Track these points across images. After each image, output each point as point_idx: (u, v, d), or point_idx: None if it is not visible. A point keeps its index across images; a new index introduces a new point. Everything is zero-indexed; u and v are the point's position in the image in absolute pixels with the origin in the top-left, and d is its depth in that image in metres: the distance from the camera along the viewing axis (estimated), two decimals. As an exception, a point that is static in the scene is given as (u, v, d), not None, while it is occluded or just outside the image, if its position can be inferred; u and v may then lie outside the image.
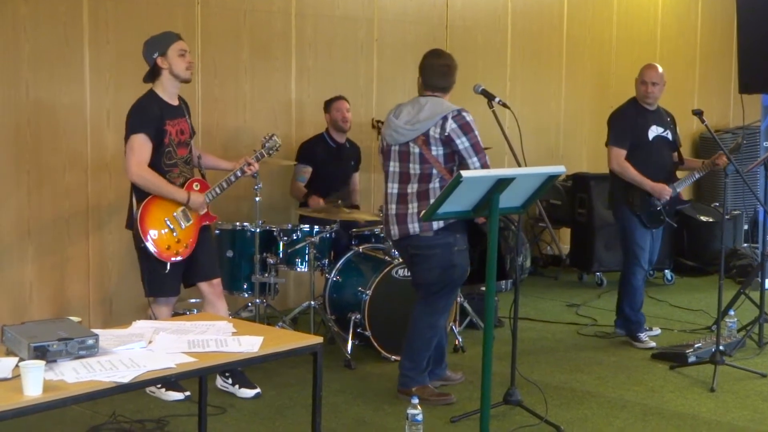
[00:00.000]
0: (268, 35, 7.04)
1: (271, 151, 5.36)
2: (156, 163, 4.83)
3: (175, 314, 5.55)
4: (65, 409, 4.07)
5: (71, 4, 5.91)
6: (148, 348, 3.24)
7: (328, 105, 6.86)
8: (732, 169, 5.82)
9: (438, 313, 5.05)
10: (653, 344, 6.24)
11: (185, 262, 4.98)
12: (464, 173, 3.69)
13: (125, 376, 2.90)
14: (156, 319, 4.80)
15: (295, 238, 6.02)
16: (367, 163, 7.29)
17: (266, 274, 5.98)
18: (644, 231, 6.24)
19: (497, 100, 4.90)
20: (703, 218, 9.03)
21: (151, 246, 4.80)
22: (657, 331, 6.61)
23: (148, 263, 4.89)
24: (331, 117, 6.83)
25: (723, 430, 4.67)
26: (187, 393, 4.94)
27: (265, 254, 5.99)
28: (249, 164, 5.15)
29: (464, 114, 4.82)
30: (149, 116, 4.80)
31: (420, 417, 4.33)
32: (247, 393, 5.07)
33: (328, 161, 6.79)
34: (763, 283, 6.41)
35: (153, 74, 4.89)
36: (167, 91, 4.90)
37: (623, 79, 9.53)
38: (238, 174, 5.14)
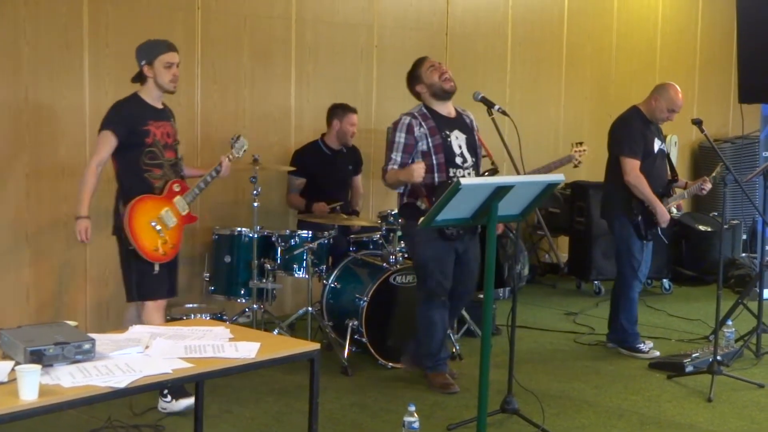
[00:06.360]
0: (269, 41, 7.04)
1: (241, 152, 5.40)
2: (134, 161, 4.89)
3: (171, 319, 5.53)
4: (61, 414, 4.05)
5: (71, 7, 5.91)
6: (145, 353, 3.23)
7: (341, 114, 6.69)
8: (731, 179, 5.80)
9: None
10: (657, 353, 6.18)
11: (173, 263, 5.06)
12: (463, 181, 3.69)
13: (121, 381, 2.88)
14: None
15: (293, 243, 6.01)
16: (366, 169, 7.26)
17: (264, 280, 5.99)
18: (640, 243, 6.16)
19: (497, 107, 4.91)
20: (702, 228, 9.03)
21: (140, 248, 4.84)
22: (650, 344, 6.50)
23: (137, 265, 4.90)
24: (342, 128, 6.69)
25: (720, 440, 4.67)
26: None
27: (262, 260, 5.99)
28: (220, 163, 5.19)
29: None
30: (123, 115, 4.90)
31: (417, 424, 4.32)
32: (184, 403, 4.79)
33: (322, 169, 6.70)
34: (761, 294, 6.42)
35: (140, 78, 4.96)
36: (151, 95, 4.97)
37: (623, 87, 9.56)
38: (213, 174, 5.18)
